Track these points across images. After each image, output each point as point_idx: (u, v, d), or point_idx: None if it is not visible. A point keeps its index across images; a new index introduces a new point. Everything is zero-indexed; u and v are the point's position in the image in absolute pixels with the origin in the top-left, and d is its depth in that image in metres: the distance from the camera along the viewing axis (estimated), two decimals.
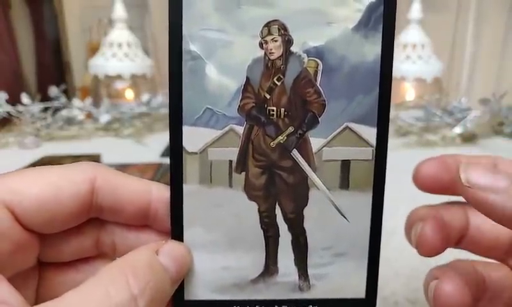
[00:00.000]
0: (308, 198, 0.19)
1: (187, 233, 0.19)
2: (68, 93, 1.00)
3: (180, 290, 0.19)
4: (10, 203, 0.17)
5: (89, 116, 0.86)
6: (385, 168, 0.19)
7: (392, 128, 0.19)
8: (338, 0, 0.17)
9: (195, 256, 0.19)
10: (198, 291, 0.19)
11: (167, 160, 0.62)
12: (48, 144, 0.78)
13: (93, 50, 1.16)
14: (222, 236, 0.19)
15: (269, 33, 0.18)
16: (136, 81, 0.98)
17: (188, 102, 0.18)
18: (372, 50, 0.18)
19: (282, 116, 0.18)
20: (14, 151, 0.74)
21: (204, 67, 0.18)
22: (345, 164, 0.19)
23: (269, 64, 0.18)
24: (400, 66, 0.90)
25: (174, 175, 0.18)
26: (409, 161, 0.22)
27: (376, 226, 0.19)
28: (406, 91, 0.93)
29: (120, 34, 0.96)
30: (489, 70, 1.25)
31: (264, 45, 0.18)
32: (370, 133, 0.18)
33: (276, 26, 0.18)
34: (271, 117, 0.18)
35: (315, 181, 0.19)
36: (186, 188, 0.19)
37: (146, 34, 1.31)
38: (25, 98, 0.80)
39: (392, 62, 0.18)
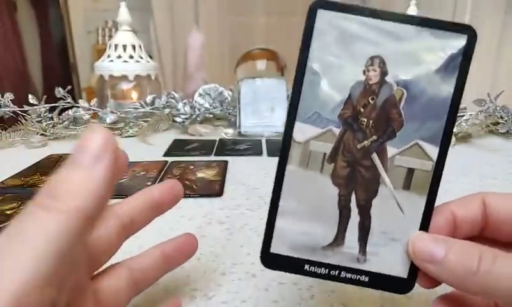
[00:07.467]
0: (377, 192, 0.25)
1: (282, 201, 0.25)
2: (74, 94, 1.02)
3: (269, 243, 0.25)
4: None
5: (95, 116, 0.89)
6: (440, 179, 0.24)
7: None
8: (428, 47, 0.23)
9: (285, 220, 0.25)
10: (281, 247, 0.25)
11: (169, 159, 0.68)
12: (55, 143, 0.80)
13: (99, 52, 1.18)
14: (307, 209, 0.25)
15: (371, 64, 0.23)
16: (140, 82, 1.01)
17: (303, 105, 0.24)
18: (447, 89, 0.23)
19: (370, 127, 0.24)
20: (21, 150, 0.76)
21: (320, 81, 0.24)
22: (410, 171, 0.24)
23: (367, 87, 0.24)
24: None
25: (282, 157, 0.24)
26: None
27: (426, 222, 0.24)
28: None
29: (124, 36, 1.00)
30: (485, 70, 1.25)
31: (365, 73, 0.24)
32: (433, 151, 0.24)
33: (378, 60, 0.23)
34: (361, 126, 0.24)
35: (385, 179, 0.25)
36: (288, 167, 0.24)
37: (150, 36, 1.32)
38: (31, 98, 0.82)
39: (460, 101, 0.24)
